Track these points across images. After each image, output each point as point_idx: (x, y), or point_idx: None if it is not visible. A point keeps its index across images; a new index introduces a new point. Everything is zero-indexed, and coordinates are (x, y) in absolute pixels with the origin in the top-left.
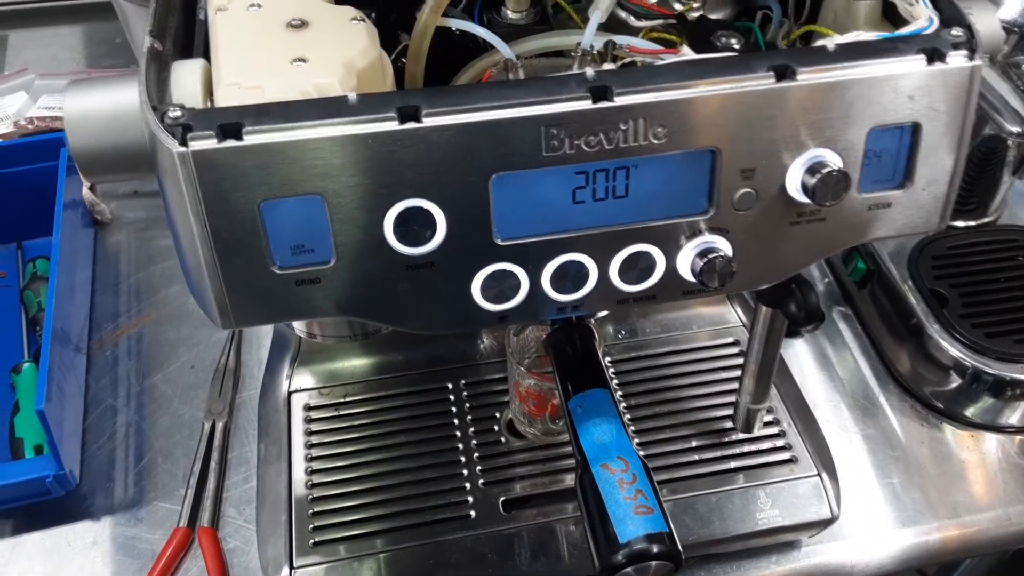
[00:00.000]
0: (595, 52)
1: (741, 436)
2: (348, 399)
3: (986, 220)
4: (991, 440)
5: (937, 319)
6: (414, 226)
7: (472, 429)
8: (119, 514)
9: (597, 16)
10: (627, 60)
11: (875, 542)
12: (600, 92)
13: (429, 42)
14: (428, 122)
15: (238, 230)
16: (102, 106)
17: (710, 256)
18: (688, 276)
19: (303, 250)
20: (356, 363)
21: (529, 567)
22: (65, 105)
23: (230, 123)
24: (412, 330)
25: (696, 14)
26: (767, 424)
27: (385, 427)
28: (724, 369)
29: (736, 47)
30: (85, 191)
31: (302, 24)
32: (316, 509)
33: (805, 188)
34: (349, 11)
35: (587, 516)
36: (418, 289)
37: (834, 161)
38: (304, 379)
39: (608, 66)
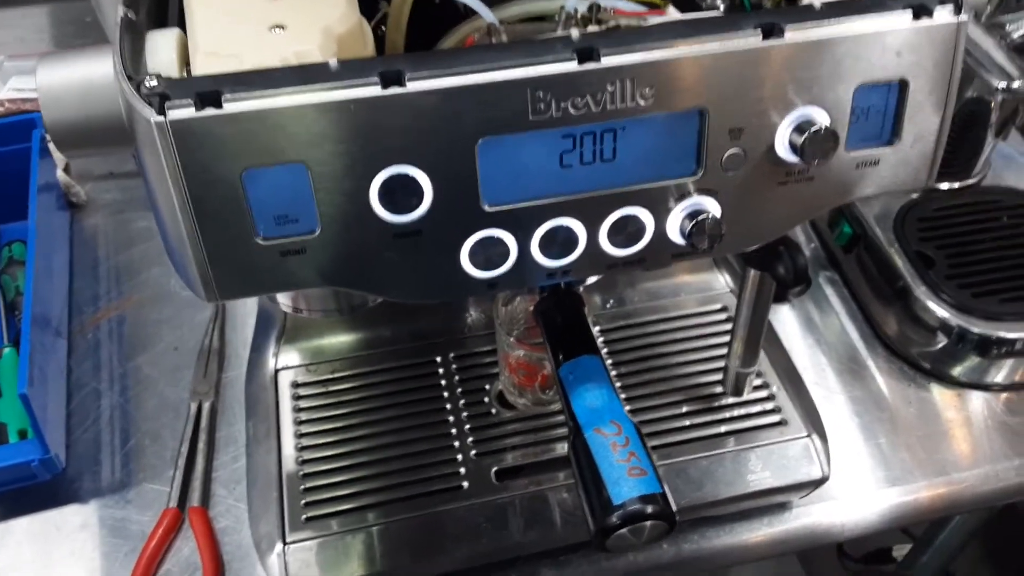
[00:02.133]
0: (579, 15)
1: (731, 400)
2: (335, 375)
3: (970, 182)
4: (977, 399)
5: (923, 280)
6: (400, 193)
7: (462, 401)
8: (107, 497)
9: None
10: (612, 23)
11: (865, 502)
12: (586, 53)
13: (409, 9)
14: (412, 86)
15: (220, 200)
16: (75, 78)
17: (699, 218)
18: (677, 239)
19: (287, 220)
20: (342, 339)
21: (523, 535)
22: (38, 78)
23: (208, 91)
24: (399, 299)
25: None
26: (756, 388)
27: (374, 402)
28: (713, 335)
29: (721, 8)
30: (59, 173)
31: None
32: (307, 485)
33: (793, 147)
34: None
35: (581, 480)
36: (405, 258)
37: (822, 119)
38: (290, 356)
39: (593, 29)
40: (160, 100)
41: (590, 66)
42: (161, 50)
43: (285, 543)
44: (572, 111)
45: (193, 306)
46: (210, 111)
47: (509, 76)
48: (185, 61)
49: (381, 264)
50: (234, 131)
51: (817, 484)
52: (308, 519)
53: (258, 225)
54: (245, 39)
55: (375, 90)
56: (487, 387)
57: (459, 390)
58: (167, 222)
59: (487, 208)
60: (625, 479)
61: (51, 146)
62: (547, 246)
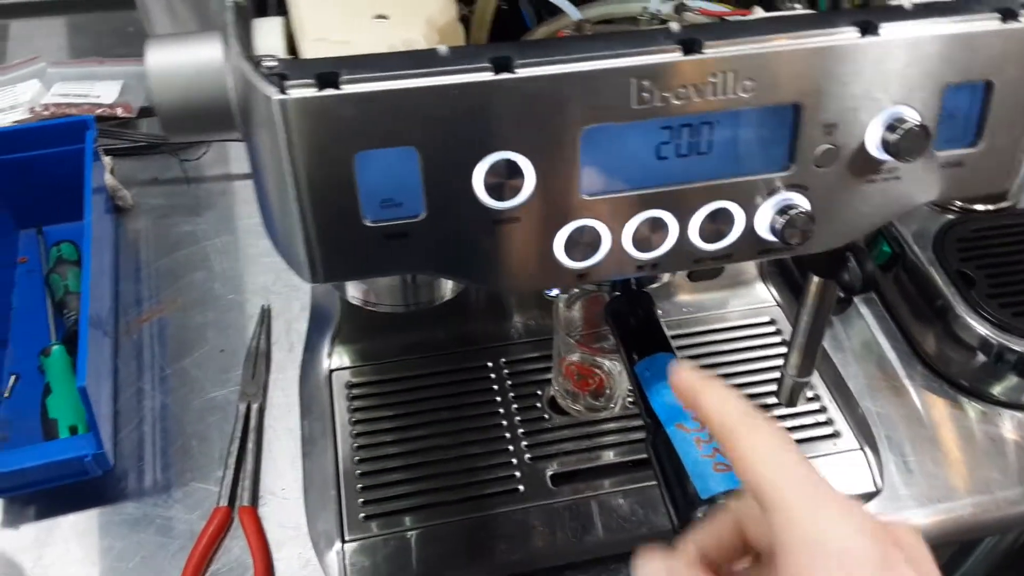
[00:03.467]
0: (662, 16)
1: (783, 411)
2: (390, 376)
3: (1005, 204)
4: (1017, 418)
5: (964, 299)
6: (503, 179)
7: (515, 406)
8: (155, 495)
9: None
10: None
11: (910, 518)
12: (689, 45)
13: (494, 8)
14: (521, 72)
15: (331, 181)
16: (184, 61)
17: (791, 213)
18: (766, 234)
19: (391, 204)
20: (395, 341)
21: (581, 539)
22: (147, 60)
23: (327, 72)
24: (492, 288)
25: None
26: (808, 400)
27: (427, 404)
28: (761, 347)
29: (800, 8)
30: (107, 176)
31: None
32: (364, 484)
33: (886, 144)
34: None
35: (662, 475)
36: (502, 245)
37: (913, 117)
38: (344, 357)
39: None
40: (279, 79)
41: (694, 57)
42: (269, 36)
43: (344, 541)
44: (674, 101)
45: (237, 309)
46: (329, 91)
47: (615, 64)
48: (290, 49)
49: (478, 251)
50: (351, 112)
51: (869, 498)
52: (366, 518)
53: (365, 208)
54: (352, 27)
55: (486, 75)
56: (539, 392)
57: (511, 395)
58: (276, 202)
59: (584, 197)
60: (711, 474)
61: (100, 150)
62: (639, 238)
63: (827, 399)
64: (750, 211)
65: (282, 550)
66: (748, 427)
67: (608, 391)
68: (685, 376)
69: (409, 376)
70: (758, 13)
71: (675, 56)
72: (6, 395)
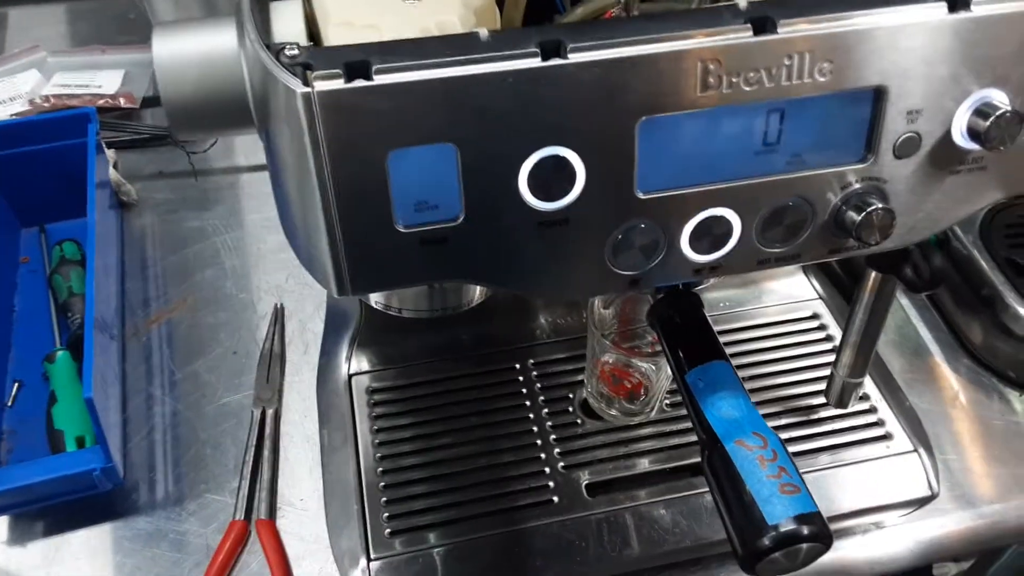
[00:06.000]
0: None
1: (832, 412)
2: (412, 381)
3: None
4: None
5: (1013, 287)
6: (550, 177)
7: (545, 411)
8: (168, 508)
9: None
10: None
11: (962, 521)
12: (761, 23)
13: None
14: (574, 58)
15: (362, 184)
16: (195, 50)
17: (869, 209)
18: (839, 232)
19: (427, 206)
20: (416, 343)
21: (620, 553)
22: (155, 50)
23: (357, 61)
24: (536, 296)
25: None
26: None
27: (453, 409)
28: (805, 344)
29: None
30: (111, 171)
31: None
32: (389, 497)
33: (973, 132)
34: None
35: (722, 497)
36: (548, 250)
37: (1004, 102)
38: (363, 361)
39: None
40: (303, 70)
41: (767, 37)
42: (288, 20)
43: (370, 559)
44: (744, 87)
45: (249, 309)
46: (360, 83)
47: (679, 47)
48: (312, 35)
49: (521, 256)
50: (384, 106)
51: (925, 501)
52: (392, 533)
53: (398, 211)
54: (380, 9)
55: (534, 62)
56: (570, 395)
57: (541, 398)
58: (299, 207)
59: (640, 195)
60: (777, 496)
61: (103, 143)
62: (698, 239)
63: (876, 397)
64: (822, 208)
65: (302, 565)
66: None
67: (645, 394)
68: None
69: (433, 380)
70: None
71: (745, 36)
72: (9, 403)
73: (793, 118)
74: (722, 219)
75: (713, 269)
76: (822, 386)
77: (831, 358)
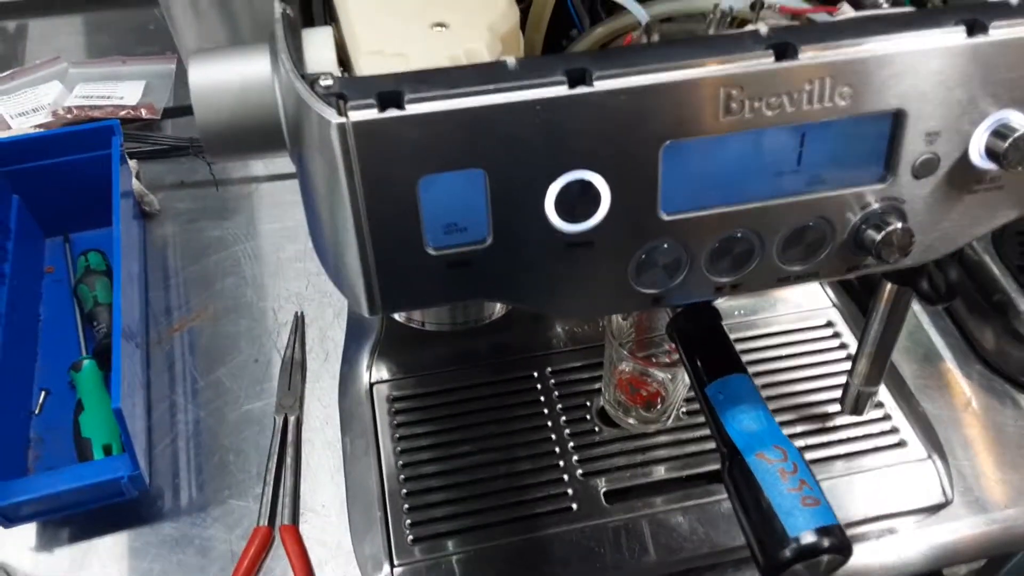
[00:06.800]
0: (736, 14)
1: (846, 420)
2: (432, 390)
3: None
4: None
5: None
6: (576, 200)
7: (563, 418)
8: (192, 515)
9: None
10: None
11: (976, 526)
12: (782, 49)
13: (551, 7)
14: (600, 85)
15: (394, 209)
16: (230, 78)
17: (888, 229)
18: (858, 251)
19: (455, 229)
20: (435, 353)
21: (639, 560)
22: (191, 77)
23: (389, 91)
24: (561, 315)
25: None
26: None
27: (473, 417)
28: (819, 352)
29: (884, 5)
30: (133, 181)
31: None
32: (411, 504)
33: (992, 152)
34: None
35: (743, 509)
36: (573, 270)
37: (1020, 123)
38: (384, 370)
39: (768, 24)
40: (338, 100)
41: (789, 63)
42: (320, 47)
43: (393, 565)
44: (766, 112)
45: (270, 317)
46: (392, 112)
47: (702, 74)
48: (342, 59)
49: (548, 277)
50: (416, 135)
51: (938, 508)
52: (415, 540)
53: (428, 234)
54: (408, 37)
55: (561, 90)
56: (588, 403)
57: (559, 407)
58: (332, 231)
59: (664, 217)
60: (799, 509)
61: (126, 153)
62: (720, 259)
63: (890, 404)
64: (841, 227)
65: (325, 570)
66: None
67: (662, 403)
68: None
69: (452, 389)
70: (846, 11)
71: (767, 62)
72: (36, 411)
73: (813, 141)
74: (743, 239)
75: (734, 287)
76: (837, 394)
77: (846, 366)
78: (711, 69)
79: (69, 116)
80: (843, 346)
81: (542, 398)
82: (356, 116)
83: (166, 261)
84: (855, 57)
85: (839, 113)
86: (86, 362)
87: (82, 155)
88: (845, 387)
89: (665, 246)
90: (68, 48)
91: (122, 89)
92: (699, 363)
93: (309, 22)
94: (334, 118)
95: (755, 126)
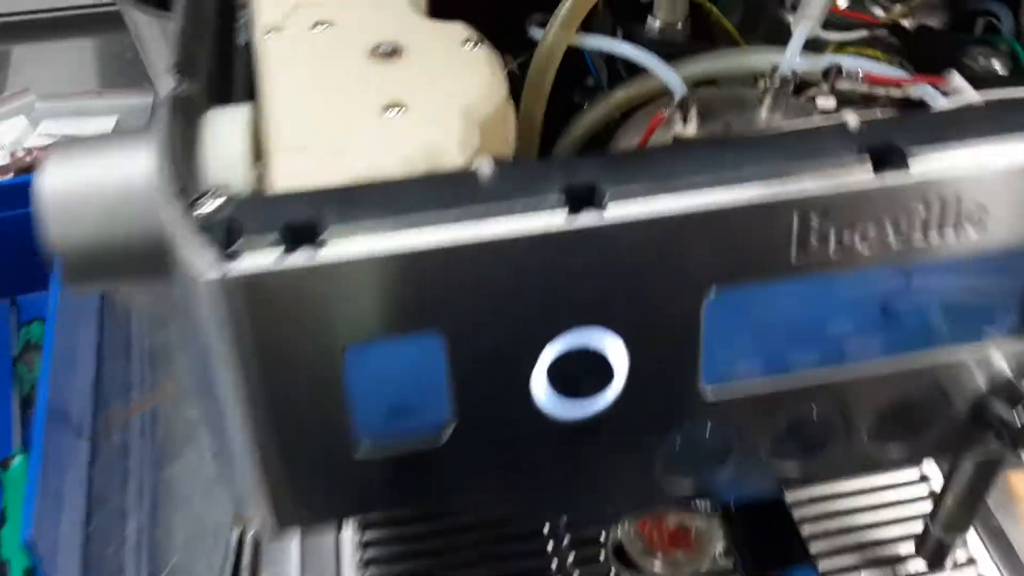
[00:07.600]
0: (801, 79)
1: (923, 570)
2: (411, 518)
3: None
4: None
5: None
6: (578, 374)
7: (571, 556)
8: None
9: (806, 27)
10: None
11: None
12: (884, 155)
13: (555, 71)
14: (614, 210)
15: (306, 392)
16: (95, 184)
17: None
18: (978, 430)
19: (402, 412)
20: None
21: None
22: (43, 182)
23: (301, 222)
24: (553, 521)
25: (909, 21)
26: (963, 564)
27: (461, 555)
28: (895, 487)
29: (1000, 71)
30: None
31: (394, 51)
32: None
33: None
34: (458, 29)
35: None
36: (571, 470)
37: None
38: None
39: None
40: (227, 234)
41: (894, 175)
42: (228, 140)
43: None
44: (859, 247)
45: None
46: (303, 254)
47: (766, 195)
48: (259, 154)
49: (533, 478)
50: (339, 288)
51: None
52: None
53: (360, 425)
54: (349, 125)
55: (557, 219)
56: (601, 538)
57: (565, 541)
58: (218, 421)
59: (708, 393)
60: None
61: None
62: (785, 443)
63: (978, 552)
64: (956, 396)
65: None
66: None
67: (695, 545)
68: None
69: (435, 514)
70: (959, 86)
71: (863, 176)
72: None
73: (926, 284)
74: (820, 419)
75: (804, 480)
76: (912, 530)
77: (926, 505)
78: (779, 187)
79: (28, 159)
80: (924, 478)
81: (544, 529)
82: (247, 264)
83: (128, 330)
84: (992, 166)
85: (967, 247)
86: (16, 459)
87: (28, 209)
88: (924, 532)
89: (709, 431)
90: (42, 78)
91: (92, 125)
92: (754, 552)
93: (227, 96)
94: (207, 270)
95: (843, 268)
